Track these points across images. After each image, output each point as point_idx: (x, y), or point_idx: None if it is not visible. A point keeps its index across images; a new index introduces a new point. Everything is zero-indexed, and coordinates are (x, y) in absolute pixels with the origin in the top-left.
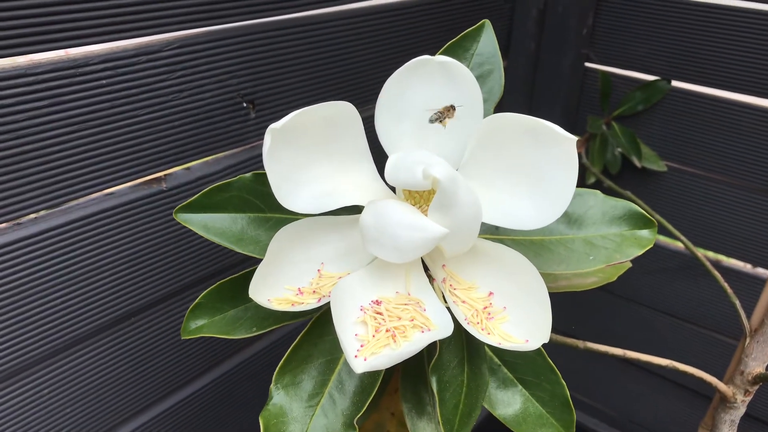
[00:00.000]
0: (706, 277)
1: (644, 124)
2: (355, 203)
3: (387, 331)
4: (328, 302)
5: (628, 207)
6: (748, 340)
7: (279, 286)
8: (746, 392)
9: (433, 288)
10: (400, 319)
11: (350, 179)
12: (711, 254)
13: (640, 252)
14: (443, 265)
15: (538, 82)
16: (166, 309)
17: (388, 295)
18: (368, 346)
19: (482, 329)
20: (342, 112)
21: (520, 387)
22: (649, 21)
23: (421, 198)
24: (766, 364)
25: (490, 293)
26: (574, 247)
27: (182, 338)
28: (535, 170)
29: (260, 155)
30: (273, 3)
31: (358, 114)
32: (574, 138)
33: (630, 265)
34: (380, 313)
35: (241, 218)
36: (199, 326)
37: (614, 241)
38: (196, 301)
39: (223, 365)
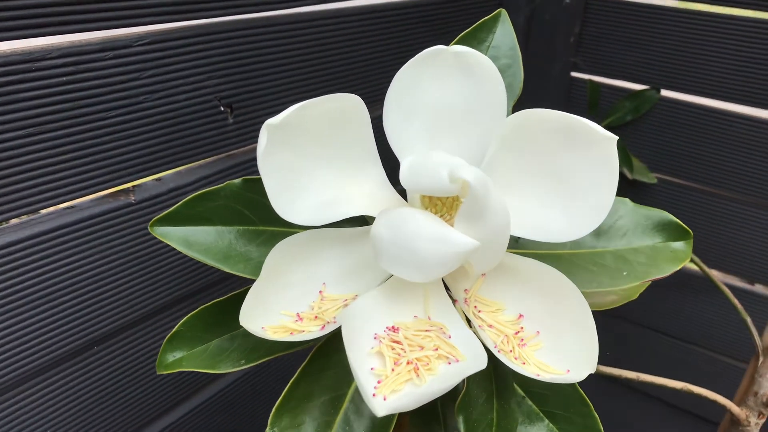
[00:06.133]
0: (706, 294)
1: (633, 134)
2: (361, 213)
3: (408, 363)
4: (332, 330)
5: (662, 216)
6: (761, 359)
7: (274, 312)
8: (760, 414)
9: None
10: (422, 348)
11: (357, 186)
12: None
13: (678, 267)
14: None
15: (524, 90)
16: (134, 336)
17: (405, 320)
18: (387, 383)
19: (515, 358)
20: (349, 106)
21: (547, 422)
22: (637, 29)
23: (443, 206)
24: None
25: (520, 316)
26: (604, 263)
27: (158, 373)
28: (568, 175)
29: (239, 165)
30: None
31: (366, 109)
32: (615, 137)
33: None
34: (398, 342)
35: (228, 232)
36: (177, 359)
37: (647, 254)
38: (175, 329)
39: (197, 396)
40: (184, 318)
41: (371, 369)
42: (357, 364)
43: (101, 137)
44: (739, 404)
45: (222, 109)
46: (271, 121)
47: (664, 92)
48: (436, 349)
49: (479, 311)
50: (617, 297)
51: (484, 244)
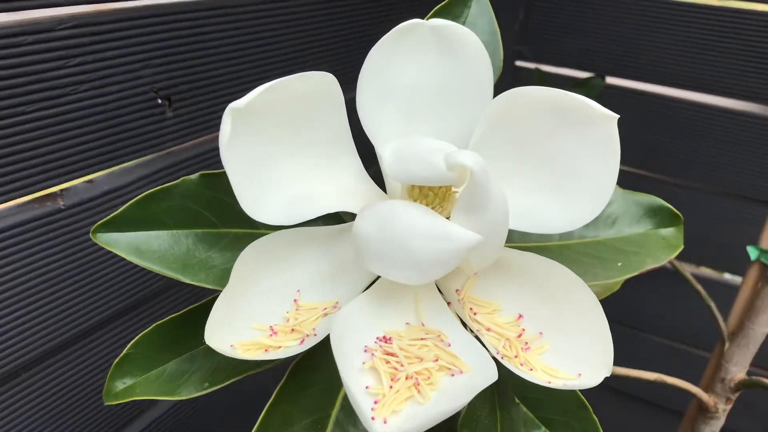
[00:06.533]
0: (667, 282)
1: None
2: (338, 209)
3: (407, 378)
4: (315, 344)
5: (651, 201)
6: (727, 344)
7: (244, 326)
8: (727, 400)
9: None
10: (421, 360)
11: (332, 178)
12: None
13: (673, 255)
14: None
15: None
16: (69, 359)
17: (397, 328)
18: (386, 402)
19: (521, 364)
20: (323, 86)
21: (544, 429)
22: (581, 15)
23: (435, 197)
24: (746, 370)
25: (519, 316)
26: (597, 253)
27: (106, 404)
28: (564, 159)
29: (179, 163)
30: None
31: (340, 89)
32: (615, 115)
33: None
34: (393, 354)
35: (185, 236)
36: (128, 386)
37: (639, 242)
38: (124, 351)
39: (140, 419)
40: (135, 338)
41: (366, 387)
42: (350, 382)
43: (21, 134)
44: (706, 391)
45: (159, 101)
46: (235, 105)
47: (610, 79)
48: (437, 360)
49: (475, 314)
50: (600, 289)
51: (485, 238)
